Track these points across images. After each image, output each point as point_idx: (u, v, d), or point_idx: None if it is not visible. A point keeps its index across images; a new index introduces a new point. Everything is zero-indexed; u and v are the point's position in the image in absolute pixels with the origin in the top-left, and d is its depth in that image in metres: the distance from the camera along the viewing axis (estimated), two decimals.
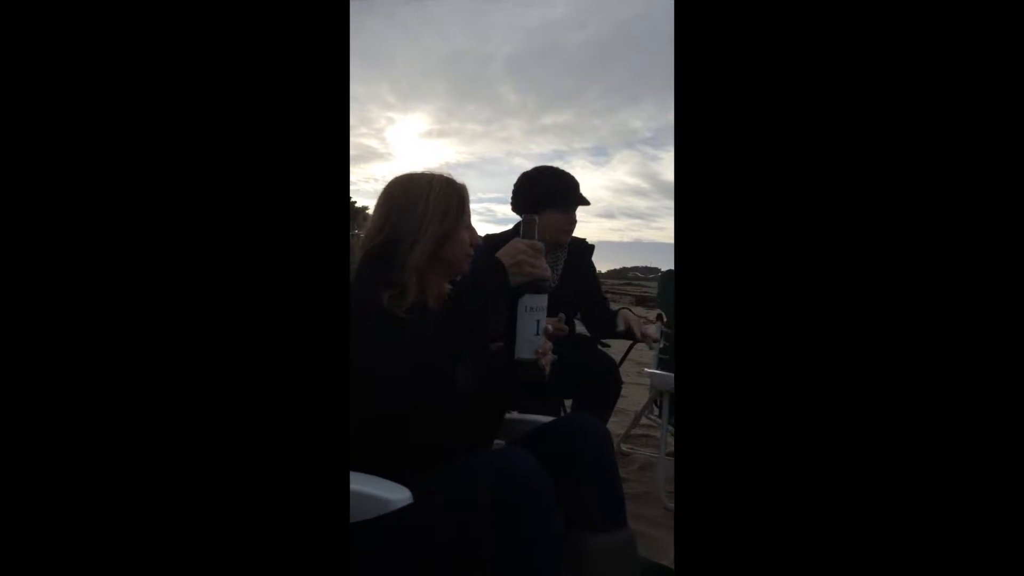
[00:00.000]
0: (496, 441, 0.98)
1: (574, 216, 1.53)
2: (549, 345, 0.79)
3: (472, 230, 0.88)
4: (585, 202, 1.52)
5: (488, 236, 1.59)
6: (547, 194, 1.48)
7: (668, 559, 1.30)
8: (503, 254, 0.76)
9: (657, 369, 1.82)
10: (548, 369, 0.79)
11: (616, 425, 2.23)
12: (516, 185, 1.55)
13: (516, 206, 1.55)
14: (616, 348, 1.81)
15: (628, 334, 1.51)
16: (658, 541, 1.39)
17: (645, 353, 2.81)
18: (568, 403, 1.64)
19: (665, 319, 1.93)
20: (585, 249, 1.63)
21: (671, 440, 1.75)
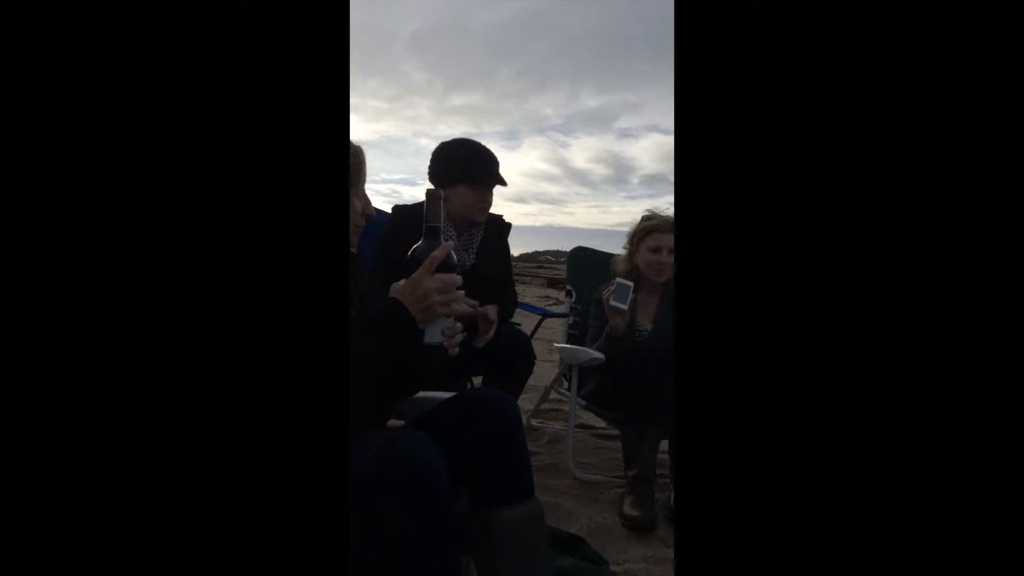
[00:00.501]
0: (393, 421, 0.93)
1: (489, 196, 1.45)
2: (458, 327, 0.74)
3: (366, 199, 0.81)
4: (502, 182, 1.46)
5: (397, 207, 1.51)
6: (462, 168, 1.40)
7: (577, 528, 1.32)
8: (406, 295, 0.68)
9: (567, 343, 1.84)
10: (456, 352, 0.74)
11: (526, 401, 2.24)
12: (433, 154, 1.47)
13: (431, 177, 1.47)
14: (526, 325, 1.81)
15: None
16: (567, 511, 1.41)
17: (555, 330, 2.86)
18: (478, 380, 1.62)
19: (575, 295, 1.96)
20: (503, 227, 1.58)
21: (580, 413, 1.79)
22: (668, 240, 1.62)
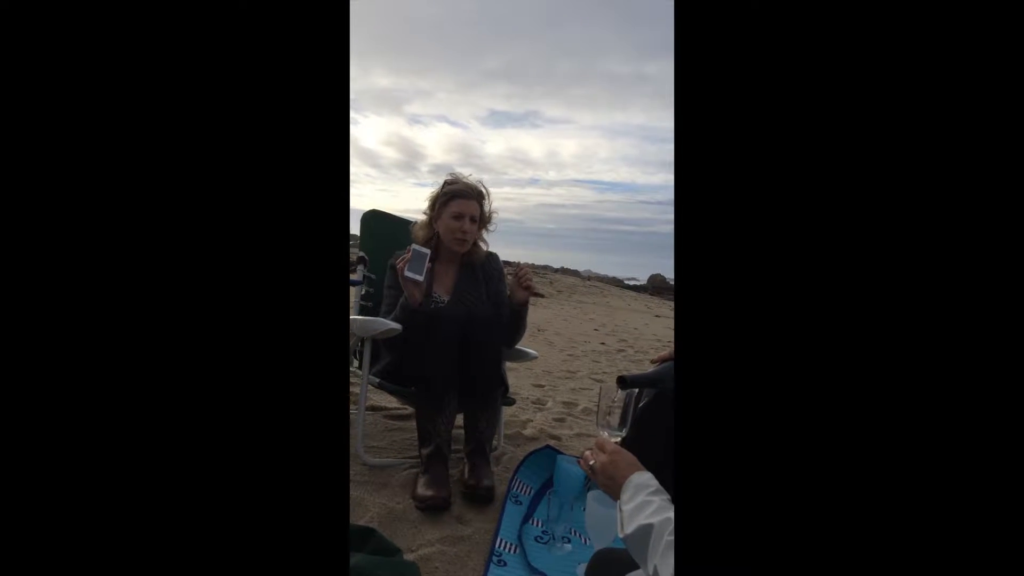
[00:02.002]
0: None
1: None
2: None
3: None
4: None
5: None
6: None
7: (367, 518, 1.18)
8: None
9: (359, 315, 1.66)
10: None
11: None
12: None
13: None
14: None
15: None
16: (357, 500, 1.25)
17: None
18: None
19: (368, 262, 1.78)
20: None
21: (370, 394, 1.62)
22: (471, 207, 1.55)
